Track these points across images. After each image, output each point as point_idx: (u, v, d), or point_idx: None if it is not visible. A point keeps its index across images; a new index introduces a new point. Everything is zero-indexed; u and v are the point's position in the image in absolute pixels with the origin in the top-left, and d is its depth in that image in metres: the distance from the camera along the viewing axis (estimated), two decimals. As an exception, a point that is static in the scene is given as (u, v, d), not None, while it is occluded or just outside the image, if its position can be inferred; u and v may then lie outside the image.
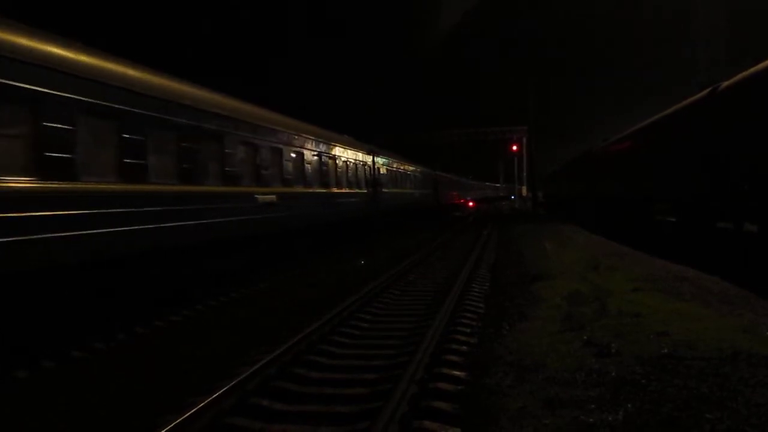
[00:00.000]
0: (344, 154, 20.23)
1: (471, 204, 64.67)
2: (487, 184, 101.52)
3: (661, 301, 7.86)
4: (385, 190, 26.26)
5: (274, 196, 13.39)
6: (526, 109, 48.39)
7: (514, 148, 66.21)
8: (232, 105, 12.49)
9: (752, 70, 10.78)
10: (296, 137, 15.55)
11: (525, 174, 66.92)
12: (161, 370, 6.30)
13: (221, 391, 4.87)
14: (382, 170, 26.39)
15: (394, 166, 29.59)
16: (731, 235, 12.29)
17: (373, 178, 24.26)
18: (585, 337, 6.20)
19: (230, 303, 10.39)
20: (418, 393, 4.92)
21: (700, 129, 13.01)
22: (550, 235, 20.21)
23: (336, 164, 19.15)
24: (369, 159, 24.05)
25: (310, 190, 16.28)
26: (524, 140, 61.68)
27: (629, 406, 4.31)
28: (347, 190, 20.27)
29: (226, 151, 11.55)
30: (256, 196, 12.67)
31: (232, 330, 8.12)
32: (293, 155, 15.26)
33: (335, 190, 18.90)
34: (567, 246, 16.43)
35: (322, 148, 17.75)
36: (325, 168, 17.87)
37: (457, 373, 5.49)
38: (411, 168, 35.10)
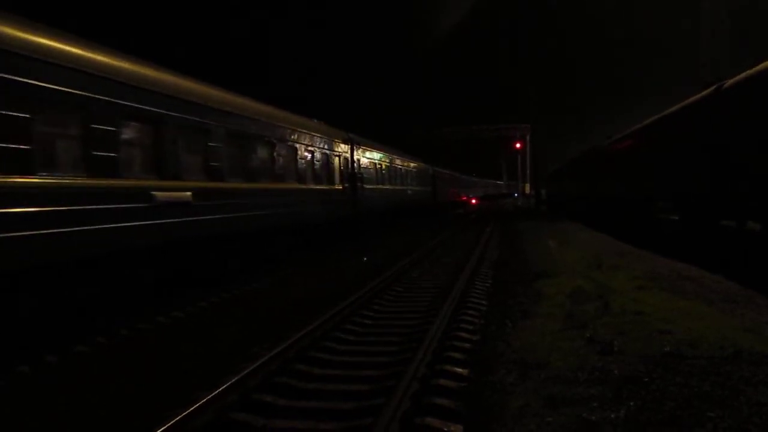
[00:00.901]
0: (308, 141, 16.11)
1: (474, 201, 64.67)
2: (489, 181, 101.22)
3: (664, 300, 7.85)
4: (368, 186, 22.42)
5: (189, 194, 9.80)
6: (529, 106, 48.30)
7: (518, 145, 66.12)
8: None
9: (758, 68, 10.74)
10: (232, 117, 11.76)
11: (528, 172, 66.79)
12: (163, 366, 6.32)
13: (223, 387, 4.91)
14: (365, 163, 22.30)
15: (382, 159, 25.64)
16: (734, 234, 12.27)
17: (351, 173, 20.38)
18: (588, 335, 6.21)
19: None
20: (420, 390, 4.93)
21: (704, 127, 12.98)
22: (553, 233, 20.20)
23: (296, 154, 15.21)
24: (346, 149, 19.99)
25: (253, 186, 12.51)
26: (527, 138, 61.58)
27: (631, 404, 4.32)
28: (311, 187, 16.14)
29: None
30: (154, 193, 8.89)
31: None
32: (228, 140, 11.55)
33: (293, 185, 14.87)
34: (570, 244, 16.42)
35: (276, 133, 13.90)
36: (278, 158, 14.00)
37: (459, 370, 5.50)
38: (403, 162, 31.11)
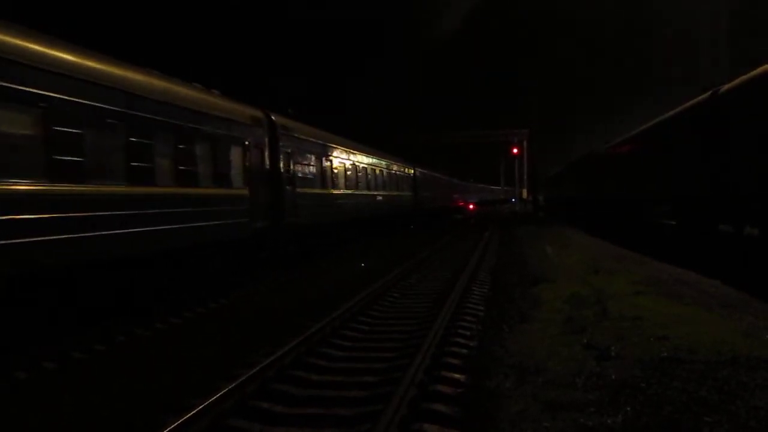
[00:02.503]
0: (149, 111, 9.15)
1: (471, 207, 64.72)
2: (481, 186, 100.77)
3: (662, 305, 7.87)
4: (304, 190, 15.45)
5: None
6: (528, 111, 48.44)
7: (515, 151, 66.26)
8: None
9: (752, 73, 10.80)
10: None
11: (526, 177, 66.91)
12: (161, 371, 6.30)
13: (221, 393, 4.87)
14: (300, 159, 15.44)
15: (331, 153, 18.34)
16: (732, 239, 12.30)
17: (271, 171, 13.77)
18: (585, 340, 6.21)
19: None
20: (417, 395, 4.92)
21: (701, 132, 13.03)
22: (551, 238, 20.22)
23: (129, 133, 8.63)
24: (260, 135, 13.31)
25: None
26: (525, 143, 61.72)
27: (629, 409, 4.32)
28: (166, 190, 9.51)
29: None
30: None
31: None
32: None
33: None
34: (568, 249, 16.44)
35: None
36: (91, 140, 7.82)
37: (457, 375, 5.49)
38: (369, 160, 23.80)
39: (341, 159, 19.58)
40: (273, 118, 14.09)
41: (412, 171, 34.90)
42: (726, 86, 12.12)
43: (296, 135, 15.42)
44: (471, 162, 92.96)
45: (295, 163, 14.99)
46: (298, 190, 15.04)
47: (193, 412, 4.48)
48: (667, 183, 15.58)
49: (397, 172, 30.03)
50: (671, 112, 16.06)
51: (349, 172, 20.52)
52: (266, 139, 13.58)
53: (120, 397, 5.47)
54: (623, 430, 3.99)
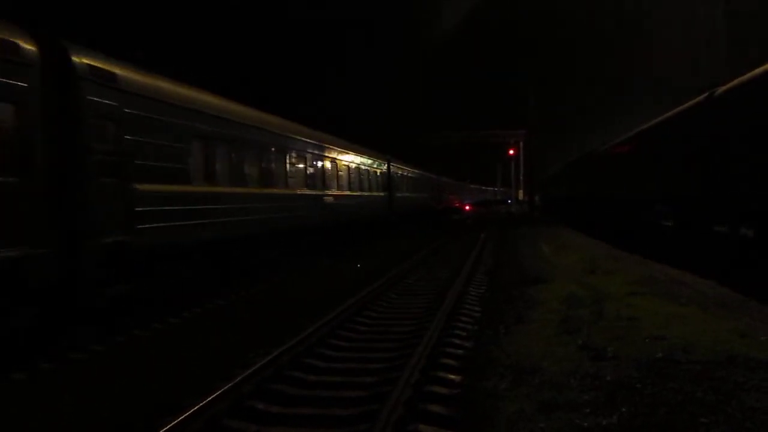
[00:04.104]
0: None
1: (467, 208, 64.80)
2: (477, 187, 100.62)
3: (658, 305, 7.88)
4: (146, 187, 8.99)
5: None
6: (525, 112, 48.46)
7: (511, 152, 66.30)
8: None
9: (748, 75, 10.83)
10: None
11: (522, 177, 66.95)
12: (159, 372, 6.28)
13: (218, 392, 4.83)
14: (128, 124, 8.69)
15: (201, 123, 10.88)
16: (728, 239, 12.32)
17: (45, 143, 7.27)
18: (581, 341, 6.21)
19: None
20: (413, 396, 4.92)
21: (698, 133, 13.06)
22: (548, 239, 20.25)
23: None
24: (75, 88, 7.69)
25: None
26: (521, 144, 61.76)
27: (624, 409, 4.32)
28: None
29: None
30: None
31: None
32: None
33: None
34: (564, 249, 16.46)
35: None
36: None
37: (452, 376, 5.49)
38: (317, 148, 17.26)
39: (239, 138, 12.18)
40: (72, 56, 7.69)
41: (385, 166, 27.33)
42: (723, 87, 12.15)
43: (131, 90, 8.84)
44: (468, 163, 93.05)
45: (130, 139, 8.66)
46: (138, 186, 8.73)
47: (189, 412, 4.47)
48: (664, 184, 15.61)
49: (360, 166, 22.37)
50: (668, 113, 16.10)
51: (276, 163, 14.15)
52: (42, 91, 7.20)
53: (118, 398, 5.45)
54: (619, 431, 3.99)
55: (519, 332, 7.04)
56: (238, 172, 12.12)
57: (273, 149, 14.04)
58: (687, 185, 13.63)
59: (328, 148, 18.39)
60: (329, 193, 17.97)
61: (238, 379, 5.24)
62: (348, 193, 20.39)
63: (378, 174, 25.73)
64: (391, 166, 28.36)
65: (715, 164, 11.79)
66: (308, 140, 16.58)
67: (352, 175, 21.23)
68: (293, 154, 15.41)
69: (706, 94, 12.94)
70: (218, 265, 11.44)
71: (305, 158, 16.27)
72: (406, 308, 9.28)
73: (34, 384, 6.11)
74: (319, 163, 17.44)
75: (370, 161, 24.43)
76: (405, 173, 32.44)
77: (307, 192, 16.13)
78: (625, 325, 6.82)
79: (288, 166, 14.93)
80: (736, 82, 11.43)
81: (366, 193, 23.21)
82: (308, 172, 16.42)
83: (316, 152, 17.17)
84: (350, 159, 21.11)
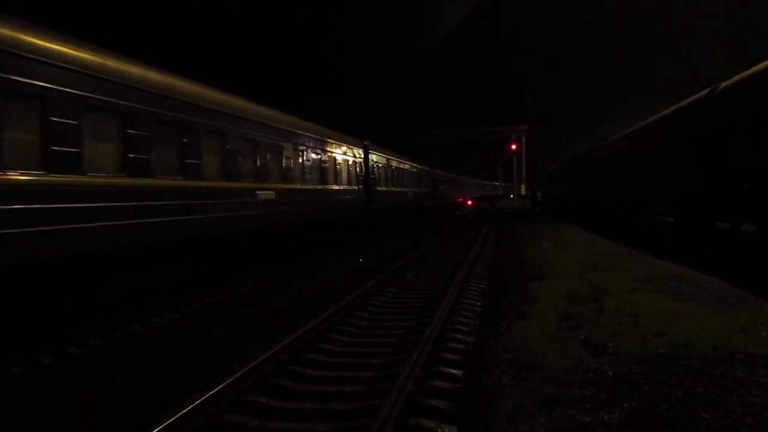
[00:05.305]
0: None
1: (470, 203, 64.83)
2: (480, 182, 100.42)
3: (659, 301, 7.88)
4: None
5: None
6: (526, 107, 48.35)
7: (513, 147, 66.19)
8: None
9: (751, 70, 10.79)
10: None
11: (524, 173, 66.84)
12: (159, 367, 6.29)
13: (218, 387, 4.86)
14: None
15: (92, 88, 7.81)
16: (729, 235, 12.32)
17: None
18: (582, 337, 6.22)
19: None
20: (414, 391, 4.92)
21: (700, 129, 13.03)
22: (549, 235, 20.24)
23: None
24: None
25: None
26: (523, 139, 61.66)
27: (625, 405, 4.32)
28: None
29: None
30: None
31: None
32: None
33: None
34: (565, 245, 16.45)
35: None
36: None
37: (453, 371, 5.49)
38: (274, 130, 14.23)
39: (152, 113, 9.25)
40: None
41: (361, 153, 22.63)
42: (725, 83, 12.11)
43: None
44: (470, 158, 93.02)
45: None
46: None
47: (191, 406, 4.48)
48: (665, 180, 15.58)
49: (321, 152, 17.76)
50: (670, 109, 16.06)
51: (205, 148, 10.96)
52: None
53: (118, 393, 5.46)
54: (619, 426, 4.00)
55: (520, 328, 7.04)
56: (161, 156, 9.33)
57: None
58: (688, 181, 13.61)
59: (265, 125, 13.76)
60: (268, 186, 13.67)
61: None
62: (301, 186, 15.83)
63: (350, 163, 20.86)
64: (370, 154, 23.45)
65: (717, 159, 11.76)
66: (225, 111, 11.83)
67: (308, 164, 16.53)
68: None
69: (708, 90, 12.91)
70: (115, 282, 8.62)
71: (224, 137, 11.67)
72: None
73: (33, 378, 6.12)
74: (251, 146, 13.03)
75: (335, 146, 19.32)
76: (390, 164, 27.63)
77: (228, 185, 11.72)
78: (626, 321, 6.83)
79: (228, 147, 11.71)
80: (738, 77, 11.39)
81: (333, 187, 18.87)
82: (232, 156, 12.01)
83: (243, 130, 12.53)
84: (303, 142, 16.22)
